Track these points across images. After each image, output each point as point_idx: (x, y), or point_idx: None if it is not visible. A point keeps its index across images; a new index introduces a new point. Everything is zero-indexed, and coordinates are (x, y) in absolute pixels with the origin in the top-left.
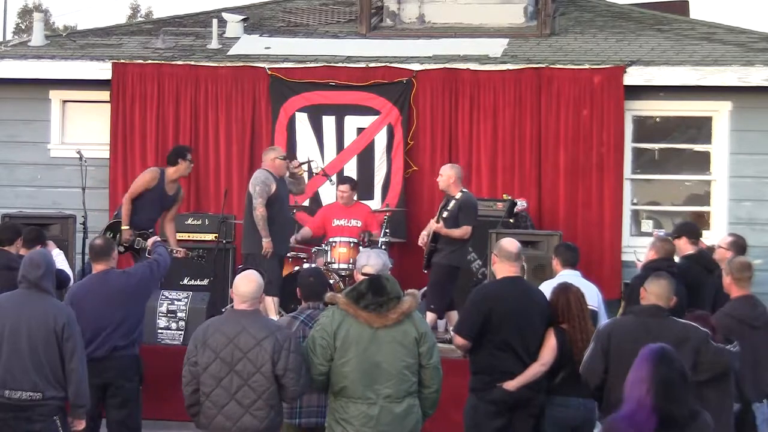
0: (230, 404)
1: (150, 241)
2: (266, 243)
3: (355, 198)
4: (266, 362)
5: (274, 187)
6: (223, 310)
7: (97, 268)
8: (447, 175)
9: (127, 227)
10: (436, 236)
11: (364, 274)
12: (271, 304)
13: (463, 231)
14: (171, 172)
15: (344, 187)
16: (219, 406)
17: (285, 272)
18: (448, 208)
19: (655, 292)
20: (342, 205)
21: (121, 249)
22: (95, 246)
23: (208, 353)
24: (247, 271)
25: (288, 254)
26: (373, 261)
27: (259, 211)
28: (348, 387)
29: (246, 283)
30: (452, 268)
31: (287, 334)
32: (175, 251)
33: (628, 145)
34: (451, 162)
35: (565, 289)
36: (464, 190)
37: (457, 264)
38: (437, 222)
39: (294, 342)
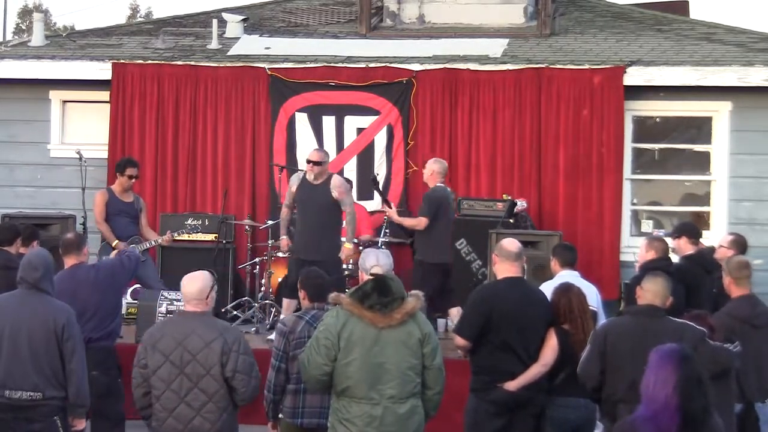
0: (180, 407)
1: (119, 246)
2: (281, 241)
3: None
4: (215, 364)
5: (294, 188)
6: (223, 310)
7: (68, 262)
8: (428, 168)
9: (117, 241)
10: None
11: (372, 275)
12: (286, 305)
13: (416, 221)
14: (115, 185)
15: None
16: (169, 410)
17: (285, 272)
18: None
19: (652, 291)
20: None
21: None
22: (65, 240)
23: (158, 356)
24: (197, 271)
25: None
26: (382, 261)
27: (282, 211)
28: (351, 387)
29: (190, 282)
30: (427, 265)
31: (236, 336)
32: (159, 241)
33: (628, 145)
34: (451, 162)
35: (566, 289)
36: (439, 185)
37: (431, 260)
38: (390, 208)
39: (243, 344)
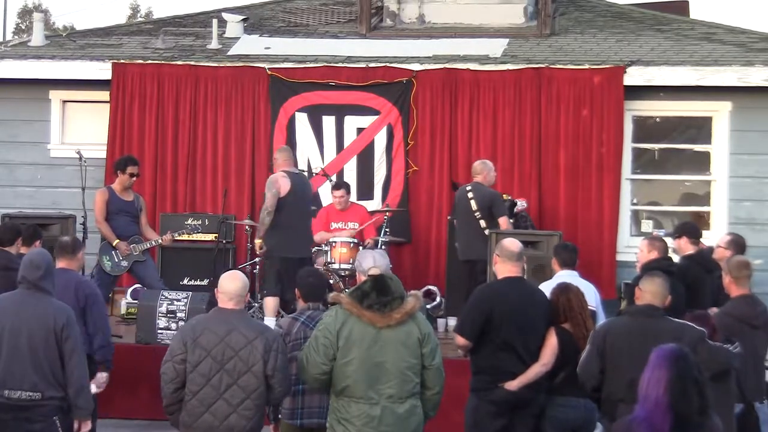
0: (218, 403)
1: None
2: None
3: (350, 201)
4: (258, 362)
5: None
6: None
7: (58, 264)
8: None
9: (117, 240)
10: None
11: (370, 276)
12: (268, 303)
13: None
14: (116, 183)
15: (340, 192)
16: (206, 405)
17: None
18: None
19: (650, 291)
20: (338, 209)
21: (125, 264)
22: (61, 242)
23: (199, 351)
24: (232, 270)
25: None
26: (379, 261)
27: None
28: (350, 387)
29: (231, 280)
30: (458, 262)
31: (275, 335)
32: (159, 241)
33: (628, 145)
34: (451, 162)
35: (565, 289)
36: (475, 184)
37: (458, 256)
38: None
39: (281, 343)
